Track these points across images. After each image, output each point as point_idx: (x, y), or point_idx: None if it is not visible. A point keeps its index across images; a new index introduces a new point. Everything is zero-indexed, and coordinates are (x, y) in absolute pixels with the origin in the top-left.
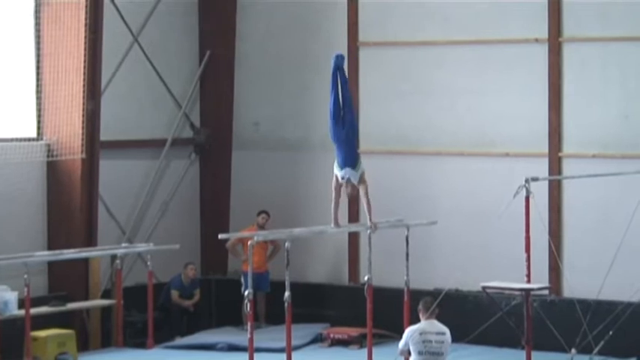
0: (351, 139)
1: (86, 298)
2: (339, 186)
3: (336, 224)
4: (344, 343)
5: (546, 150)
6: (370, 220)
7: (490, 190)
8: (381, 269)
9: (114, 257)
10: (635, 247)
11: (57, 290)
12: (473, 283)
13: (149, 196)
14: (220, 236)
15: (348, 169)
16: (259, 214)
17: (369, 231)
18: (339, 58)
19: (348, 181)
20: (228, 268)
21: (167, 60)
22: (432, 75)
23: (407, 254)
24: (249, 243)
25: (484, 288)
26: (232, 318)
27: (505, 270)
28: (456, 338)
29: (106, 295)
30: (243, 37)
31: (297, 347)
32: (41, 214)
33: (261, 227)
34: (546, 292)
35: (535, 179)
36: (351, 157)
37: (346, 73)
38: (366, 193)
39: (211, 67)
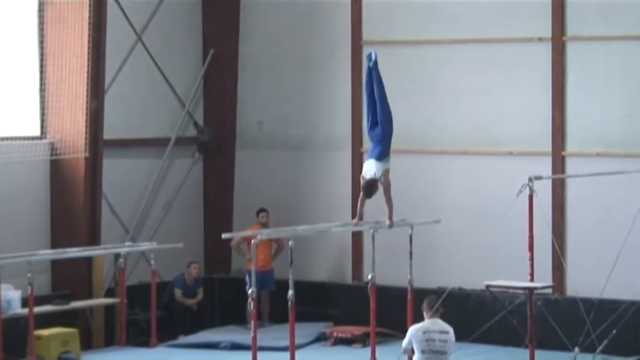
0: (385, 138)
1: (89, 296)
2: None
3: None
4: (347, 341)
5: (550, 149)
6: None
7: (494, 188)
8: (384, 268)
9: (117, 256)
10: (639, 245)
11: (60, 289)
12: (476, 282)
13: (152, 195)
14: (224, 236)
15: (372, 160)
16: (259, 213)
17: (371, 230)
18: (370, 57)
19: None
20: (232, 267)
21: (171, 59)
22: (436, 74)
23: (410, 253)
24: (252, 242)
25: (488, 287)
26: (236, 317)
27: (508, 269)
28: (459, 337)
29: (109, 293)
30: (246, 36)
31: (301, 346)
32: (44, 212)
33: (264, 225)
34: (550, 290)
35: (539, 178)
36: (378, 152)
37: (379, 72)
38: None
39: (215, 66)
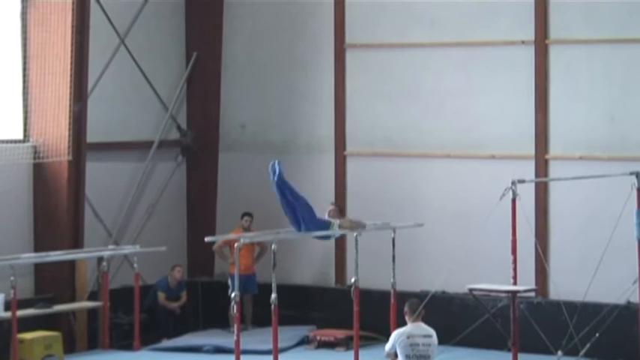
0: (313, 223)
1: (73, 300)
2: None
3: None
4: (330, 345)
5: (533, 152)
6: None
7: (476, 192)
8: (367, 271)
9: (100, 259)
10: (622, 249)
11: (43, 292)
12: (459, 285)
13: (136, 198)
14: (207, 239)
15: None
16: (243, 216)
17: (354, 234)
18: (274, 169)
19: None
20: (215, 270)
21: (154, 62)
22: (418, 77)
23: (393, 256)
24: (235, 246)
25: (471, 290)
26: (219, 320)
27: (492, 272)
28: (442, 340)
29: (92, 297)
30: (230, 39)
31: (284, 349)
32: (27, 216)
33: (247, 229)
34: (533, 294)
35: (521, 181)
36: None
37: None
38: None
39: (198, 69)
